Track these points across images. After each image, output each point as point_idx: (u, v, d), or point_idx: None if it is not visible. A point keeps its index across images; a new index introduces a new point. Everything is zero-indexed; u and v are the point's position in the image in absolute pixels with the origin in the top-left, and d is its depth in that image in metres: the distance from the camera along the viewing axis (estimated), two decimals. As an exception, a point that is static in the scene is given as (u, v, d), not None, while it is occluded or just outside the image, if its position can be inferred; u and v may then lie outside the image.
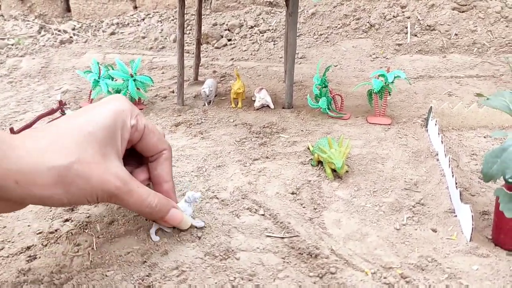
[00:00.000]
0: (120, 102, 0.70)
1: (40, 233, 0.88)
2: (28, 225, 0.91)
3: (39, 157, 0.58)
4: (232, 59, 1.75)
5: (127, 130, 0.68)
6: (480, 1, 1.75)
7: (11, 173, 0.55)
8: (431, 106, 1.18)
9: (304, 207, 0.94)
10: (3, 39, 2.15)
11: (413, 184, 1.00)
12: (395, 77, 1.20)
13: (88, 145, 0.62)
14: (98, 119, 0.65)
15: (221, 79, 1.58)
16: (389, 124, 1.24)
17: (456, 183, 0.90)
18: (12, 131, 1.10)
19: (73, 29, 2.19)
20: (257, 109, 1.36)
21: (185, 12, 2.02)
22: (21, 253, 0.84)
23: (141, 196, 0.69)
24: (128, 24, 2.11)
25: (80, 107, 1.41)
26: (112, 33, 2.07)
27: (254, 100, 1.37)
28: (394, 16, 1.78)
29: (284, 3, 1.72)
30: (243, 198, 0.97)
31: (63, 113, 1.20)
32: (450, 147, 1.14)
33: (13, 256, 0.83)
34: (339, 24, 1.82)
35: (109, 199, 0.67)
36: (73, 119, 0.65)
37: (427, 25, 1.74)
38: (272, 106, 1.36)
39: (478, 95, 0.85)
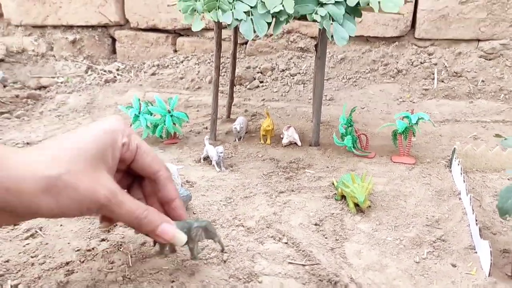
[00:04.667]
0: (113, 121, 0.72)
1: (78, 250, 0.95)
2: (68, 243, 0.98)
3: (29, 167, 0.60)
4: (263, 99, 1.84)
5: (118, 148, 0.70)
6: (507, 50, 1.79)
7: (4, 181, 0.58)
8: (454, 148, 1.21)
9: (326, 238, 0.97)
10: (53, 77, 2.34)
11: (435, 221, 1.02)
12: (418, 119, 1.24)
13: (79, 159, 0.64)
14: (90, 136, 0.68)
15: (252, 117, 1.67)
16: (413, 164, 1.27)
17: (476, 220, 0.92)
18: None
19: (117, 70, 2.35)
20: (285, 146, 1.42)
21: (221, 55, 2.15)
22: (60, 267, 0.91)
23: (131, 207, 0.69)
24: (168, 66, 2.26)
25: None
26: (153, 74, 2.22)
27: (283, 138, 1.43)
28: (421, 63, 1.84)
29: (314, 48, 1.81)
30: (268, 227, 1.01)
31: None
32: (473, 188, 1.15)
33: (53, 270, 0.90)
34: (367, 69, 1.90)
35: (99, 209, 0.67)
36: (66, 136, 0.69)
37: (454, 72, 1.79)
38: (299, 143, 1.42)
39: (497, 135, 0.88)
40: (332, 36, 1.14)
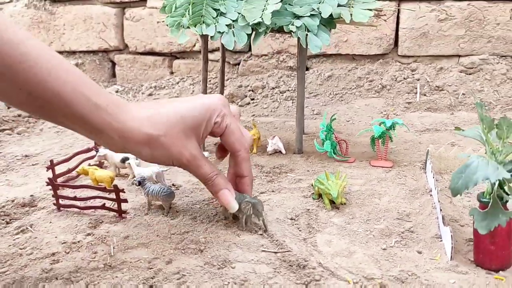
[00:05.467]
0: (213, 100, 0.88)
1: (64, 243, 1.01)
2: (56, 237, 1.03)
3: (138, 123, 0.80)
4: (253, 115, 1.92)
5: (210, 124, 0.87)
6: (487, 65, 1.87)
7: (118, 130, 0.78)
8: (428, 150, 1.26)
9: (300, 230, 1.02)
10: (55, 100, 2.44)
11: (406, 215, 1.07)
12: (393, 123, 1.30)
13: (177, 125, 0.83)
14: (191, 109, 0.85)
15: (241, 130, 1.73)
16: (390, 167, 1.33)
17: (441, 210, 0.97)
18: (51, 163, 1.27)
19: (117, 92, 2.45)
20: (270, 154, 1.48)
21: (214, 76, 2.25)
22: (46, 257, 0.96)
23: (205, 171, 0.90)
24: (164, 87, 2.36)
25: (113, 150, 1.57)
26: (150, 94, 2.31)
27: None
28: (404, 78, 1.92)
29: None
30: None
31: (97, 151, 1.37)
32: (446, 187, 1.20)
33: (39, 259, 0.95)
34: (353, 86, 1.98)
35: (181, 166, 0.88)
36: (174, 103, 0.87)
37: (436, 86, 1.86)
38: (283, 151, 1.48)
39: (456, 128, 0.94)
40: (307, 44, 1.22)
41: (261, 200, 1.01)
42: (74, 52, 2.59)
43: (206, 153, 1.32)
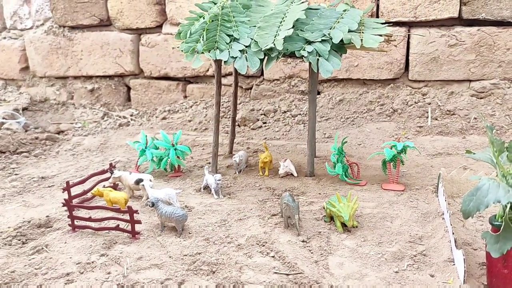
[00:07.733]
0: None
1: (78, 263, 1.02)
2: (70, 257, 1.05)
3: None
4: (265, 138, 1.94)
5: None
6: (498, 89, 1.87)
7: None
8: (440, 173, 1.26)
9: (312, 252, 1.02)
10: (72, 123, 2.49)
11: (418, 238, 1.06)
12: (404, 147, 1.31)
13: None
14: None
15: (253, 153, 1.75)
16: (402, 191, 1.33)
17: (453, 233, 0.96)
18: (67, 184, 1.30)
19: (131, 115, 2.50)
20: (282, 176, 1.49)
21: (227, 100, 2.28)
22: (61, 277, 0.97)
23: None
24: (178, 110, 2.40)
25: (130, 173, 1.59)
26: (164, 118, 2.36)
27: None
28: (415, 102, 1.93)
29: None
30: (257, 244, 1.07)
31: (111, 173, 1.39)
32: (458, 210, 1.19)
33: (54, 279, 0.97)
34: (364, 109, 1.99)
35: None
36: None
37: (447, 110, 1.87)
38: (295, 174, 1.49)
39: (467, 151, 0.95)
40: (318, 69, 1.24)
41: (298, 204, 1.10)
42: (90, 77, 2.66)
43: (218, 175, 1.34)
